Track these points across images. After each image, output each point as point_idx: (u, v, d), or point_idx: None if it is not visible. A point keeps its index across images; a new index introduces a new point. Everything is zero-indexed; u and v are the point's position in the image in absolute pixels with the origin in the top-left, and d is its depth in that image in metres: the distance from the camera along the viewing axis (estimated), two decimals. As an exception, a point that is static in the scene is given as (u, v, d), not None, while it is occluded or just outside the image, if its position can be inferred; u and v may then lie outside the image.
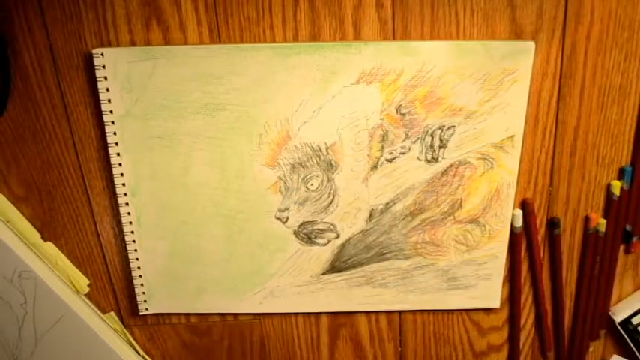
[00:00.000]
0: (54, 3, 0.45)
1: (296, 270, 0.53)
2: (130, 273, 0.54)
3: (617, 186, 0.51)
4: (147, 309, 0.56)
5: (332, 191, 0.50)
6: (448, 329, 0.58)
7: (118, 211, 0.52)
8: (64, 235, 0.54)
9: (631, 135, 0.50)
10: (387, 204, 0.51)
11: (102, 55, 0.46)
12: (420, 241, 0.52)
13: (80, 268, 0.55)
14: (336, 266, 0.53)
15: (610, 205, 0.52)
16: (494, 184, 0.50)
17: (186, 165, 0.49)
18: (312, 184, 0.50)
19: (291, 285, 0.54)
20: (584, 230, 0.53)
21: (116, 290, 0.56)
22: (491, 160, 0.49)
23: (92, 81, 0.47)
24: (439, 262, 0.53)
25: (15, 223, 0.52)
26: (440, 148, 0.48)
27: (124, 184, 0.50)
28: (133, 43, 0.47)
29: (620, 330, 0.56)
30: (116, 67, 0.46)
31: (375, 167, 0.49)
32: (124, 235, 0.52)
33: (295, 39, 0.46)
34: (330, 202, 0.51)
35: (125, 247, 0.53)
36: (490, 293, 0.55)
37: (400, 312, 0.57)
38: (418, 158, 0.49)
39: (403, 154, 0.49)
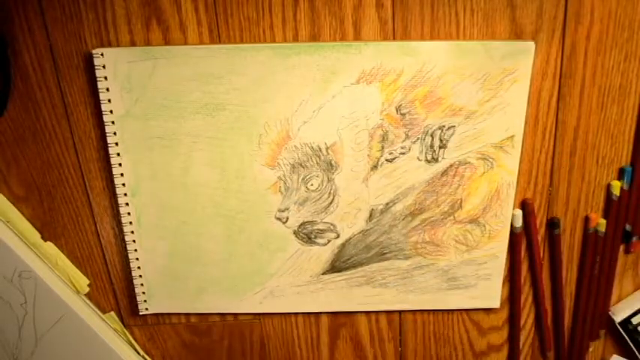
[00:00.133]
0: (54, 3, 0.45)
1: (296, 270, 0.53)
2: (130, 273, 0.54)
3: (617, 186, 0.51)
4: (147, 309, 0.56)
5: (332, 191, 0.50)
6: (448, 329, 0.58)
7: (118, 211, 0.52)
8: (64, 235, 0.54)
9: (631, 135, 0.50)
10: (387, 204, 0.51)
11: (102, 55, 0.46)
12: (420, 241, 0.52)
13: (80, 268, 0.55)
14: (336, 266, 0.53)
15: (610, 205, 0.52)
16: (494, 184, 0.50)
17: (186, 165, 0.49)
18: (312, 184, 0.50)
19: (291, 285, 0.54)
20: (584, 230, 0.53)
21: (116, 290, 0.56)
22: (491, 160, 0.49)
23: (92, 81, 0.47)
24: (439, 262, 0.53)
25: (15, 223, 0.52)
26: (440, 148, 0.48)
27: (124, 184, 0.50)
28: (133, 43, 0.47)
29: (620, 330, 0.56)
30: (116, 67, 0.46)
31: (375, 167, 0.49)
32: (124, 235, 0.52)
33: (295, 39, 0.46)
34: (330, 202, 0.51)
35: (125, 247, 0.53)
36: (490, 293, 0.55)
37: (400, 312, 0.57)
38: (418, 158, 0.49)
39: (403, 154, 0.49)
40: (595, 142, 0.50)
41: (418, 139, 0.48)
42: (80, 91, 0.48)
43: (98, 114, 0.48)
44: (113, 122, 0.48)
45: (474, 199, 0.50)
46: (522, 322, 0.58)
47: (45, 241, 0.53)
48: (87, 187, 0.52)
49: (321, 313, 0.57)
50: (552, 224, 0.53)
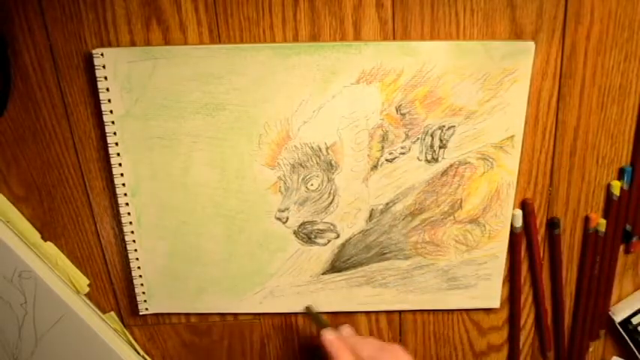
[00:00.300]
0: (54, 3, 0.45)
1: (296, 270, 0.53)
2: (130, 273, 0.54)
3: (617, 186, 0.51)
4: (147, 309, 0.56)
5: (332, 191, 0.50)
6: (448, 329, 0.58)
7: (118, 211, 0.52)
8: (64, 235, 0.54)
9: (631, 135, 0.50)
10: (387, 204, 0.51)
11: (102, 55, 0.46)
12: (420, 241, 0.52)
13: (80, 268, 0.55)
14: (336, 266, 0.53)
15: (610, 205, 0.52)
16: (494, 184, 0.50)
17: (186, 165, 0.49)
18: (312, 184, 0.50)
19: (291, 285, 0.54)
20: (584, 230, 0.53)
21: (116, 290, 0.56)
22: (491, 160, 0.49)
23: (92, 81, 0.47)
24: (439, 262, 0.53)
25: (15, 223, 0.52)
26: (440, 148, 0.48)
27: (124, 184, 0.50)
28: (133, 43, 0.47)
29: (620, 330, 0.56)
30: (116, 67, 0.46)
31: (375, 167, 0.49)
32: (124, 235, 0.52)
33: (295, 39, 0.46)
34: (330, 202, 0.51)
35: (125, 247, 0.53)
36: (490, 293, 0.55)
37: (400, 312, 0.57)
38: (418, 158, 0.49)
39: (403, 154, 0.49)
40: (595, 142, 0.50)
41: (418, 139, 0.48)
42: (80, 91, 0.48)
43: (98, 114, 0.48)
44: (113, 122, 0.48)
45: (474, 199, 0.50)
46: (522, 322, 0.58)
47: (45, 241, 0.53)
48: (87, 187, 0.52)
49: (321, 313, 0.57)
50: (552, 224, 0.53)
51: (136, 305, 0.56)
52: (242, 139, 0.48)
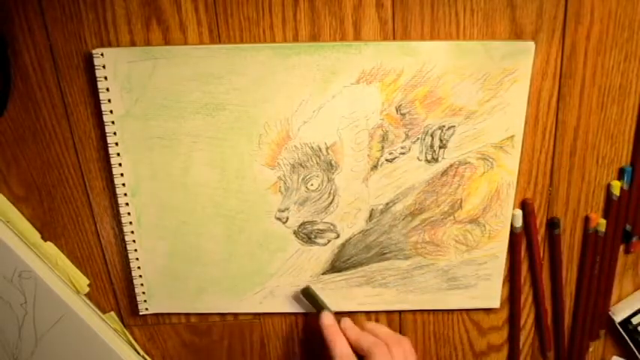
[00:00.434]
0: (54, 3, 0.45)
1: (296, 270, 0.53)
2: (130, 273, 0.54)
3: (617, 186, 0.51)
4: (147, 309, 0.56)
5: (332, 191, 0.50)
6: (448, 329, 0.58)
7: (118, 211, 0.52)
8: (64, 235, 0.54)
9: (631, 135, 0.50)
10: (387, 204, 0.51)
11: (102, 55, 0.46)
12: (420, 241, 0.52)
13: (80, 268, 0.55)
14: (336, 266, 0.53)
15: (610, 205, 0.52)
16: (494, 184, 0.50)
17: (186, 165, 0.49)
18: (312, 184, 0.50)
19: (291, 285, 0.54)
20: (584, 230, 0.53)
21: (116, 290, 0.56)
22: (491, 160, 0.49)
23: (92, 81, 0.47)
24: (439, 262, 0.53)
25: (15, 223, 0.52)
26: (440, 148, 0.48)
27: (124, 184, 0.50)
28: (133, 43, 0.47)
29: (620, 330, 0.56)
30: (116, 67, 0.46)
31: (375, 167, 0.49)
32: (124, 235, 0.52)
33: (295, 39, 0.46)
34: (330, 202, 0.51)
35: (125, 247, 0.53)
36: (490, 293, 0.55)
37: (400, 312, 0.57)
38: (418, 158, 0.49)
39: (403, 154, 0.49)
40: (595, 142, 0.50)
41: (418, 139, 0.48)
42: (80, 91, 0.48)
43: (98, 114, 0.48)
44: (113, 122, 0.48)
45: (474, 199, 0.50)
46: (522, 322, 0.58)
47: (45, 241, 0.53)
48: (87, 187, 0.52)
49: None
50: (552, 224, 0.53)
51: (136, 305, 0.56)
52: (242, 139, 0.48)
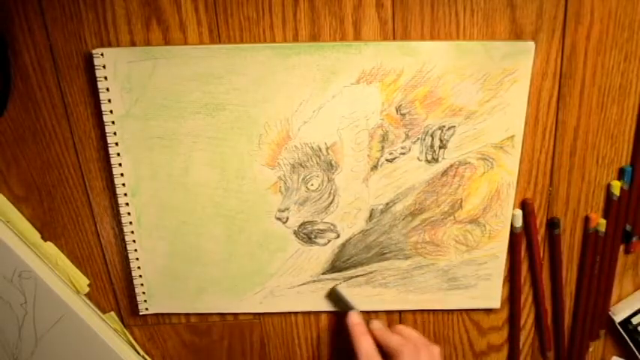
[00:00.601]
0: (54, 3, 0.45)
1: (296, 270, 0.53)
2: (130, 273, 0.54)
3: (617, 186, 0.51)
4: (147, 309, 0.56)
5: (332, 191, 0.50)
6: (448, 329, 0.58)
7: (118, 211, 0.52)
8: (64, 235, 0.54)
9: (631, 135, 0.50)
10: (387, 204, 0.51)
11: (102, 55, 0.46)
12: (420, 241, 0.52)
13: (80, 268, 0.55)
14: (336, 266, 0.53)
15: (610, 205, 0.52)
16: (494, 184, 0.50)
17: (186, 165, 0.49)
18: (312, 184, 0.50)
19: (291, 285, 0.54)
20: (584, 230, 0.53)
21: (116, 290, 0.56)
22: (491, 160, 0.49)
23: (92, 81, 0.47)
24: (439, 262, 0.53)
25: (15, 223, 0.52)
26: (440, 148, 0.48)
27: (124, 184, 0.50)
28: (133, 43, 0.47)
29: (620, 330, 0.56)
30: (116, 67, 0.46)
31: (375, 167, 0.49)
32: (124, 235, 0.52)
33: (295, 39, 0.46)
34: (330, 202, 0.51)
35: (125, 247, 0.53)
36: (490, 293, 0.55)
37: (400, 312, 0.57)
38: (418, 158, 0.49)
39: (403, 154, 0.49)
40: (595, 142, 0.50)
41: (418, 139, 0.48)
42: (80, 91, 0.48)
43: (98, 114, 0.48)
44: (113, 122, 0.48)
45: (474, 199, 0.50)
46: (522, 322, 0.58)
47: (45, 241, 0.53)
48: (87, 187, 0.52)
49: (321, 312, 0.57)
50: (552, 224, 0.53)
51: (136, 305, 0.56)
52: (242, 139, 0.48)
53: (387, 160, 0.49)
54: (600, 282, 0.55)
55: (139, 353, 0.58)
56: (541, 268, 0.54)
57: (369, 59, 0.45)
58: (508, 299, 0.56)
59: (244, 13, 0.46)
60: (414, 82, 0.46)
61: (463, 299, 0.55)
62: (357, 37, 0.46)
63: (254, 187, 0.50)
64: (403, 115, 0.47)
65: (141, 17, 0.46)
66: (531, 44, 0.45)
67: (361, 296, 0.55)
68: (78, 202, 0.52)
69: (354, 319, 0.51)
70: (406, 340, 0.49)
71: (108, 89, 0.47)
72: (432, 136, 0.48)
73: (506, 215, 0.51)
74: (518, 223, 0.52)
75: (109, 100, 0.47)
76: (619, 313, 0.56)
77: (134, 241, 0.53)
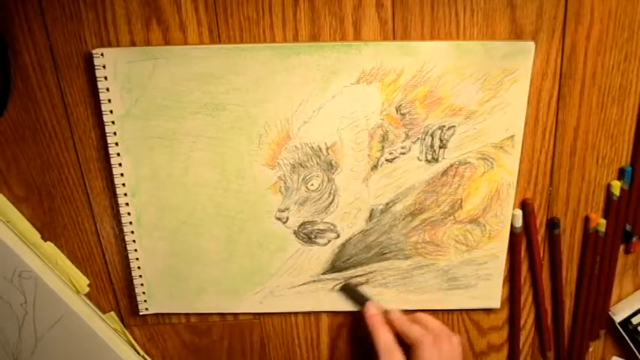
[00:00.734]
0: (54, 3, 0.45)
1: (296, 270, 0.53)
2: (130, 273, 0.54)
3: (617, 186, 0.51)
4: (147, 309, 0.56)
5: (332, 191, 0.50)
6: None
7: (118, 211, 0.52)
8: (64, 235, 0.54)
9: (631, 135, 0.50)
10: (387, 204, 0.51)
11: (102, 55, 0.46)
12: (420, 241, 0.52)
13: (80, 268, 0.55)
14: (336, 266, 0.53)
15: (610, 205, 0.52)
16: (494, 184, 0.50)
17: (186, 165, 0.49)
18: (312, 184, 0.50)
19: (292, 285, 0.54)
20: (584, 230, 0.53)
21: (116, 290, 0.56)
22: (491, 160, 0.49)
23: (92, 81, 0.47)
24: (439, 262, 0.53)
25: (15, 223, 0.52)
26: (440, 148, 0.48)
27: (124, 184, 0.50)
28: (133, 43, 0.47)
29: (620, 330, 0.56)
30: (116, 67, 0.46)
31: (375, 167, 0.49)
32: (124, 235, 0.52)
33: (295, 39, 0.46)
34: (330, 202, 0.51)
35: (125, 247, 0.53)
36: (490, 293, 0.55)
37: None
38: (418, 158, 0.49)
39: (403, 154, 0.49)
40: (595, 142, 0.50)
41: (418, 139, 0.48)
42: (80, 91, 0.48)
43: (98, 114, 0.48)
44: (113, 122, 0.48)
45: (474, 199, 0.50)
46: (522, 322, 0.58)
47: (45, 241, 0.53)
48: (87, 187, 0.52)
49: (321, 312, 0.57)
50: (552, 224, 0.53)
51: (136, 305, 0.56)
52: (242, 139, 0.48)
53: (387, 160, 0.49)
54: (600, 282, 0.55)
55: (139, 353, 0.58)
56: (541, 268, 0.54)
57: (369, 59, 0.45)
58: (508, 299, 0.56)
59: (244, 13, 0.46)
60: (414, 82, 0.46)
61: (463, 299, 0.55)
62: (357, 37, 0.46)
63: (254, 187, 0.50)
64: (403, 115, 0.47)
65: (141, 17, 0.46)
66: (531, 44, 0.45)
67: (361, 296, 0.55)
68: (78, 202, 0.52)
69: (371, 311, 0.51)
70: (427, 329, 0.49)
71: (108, 89, 0.47)
72: (432, 135, 0.48)
73: (506, 215, 0.51)
74: (518, 223, 0.52)
75: (109, 100, 0.47)
76: (619, 313, 0.56)
77: (134, 241, 0.53)
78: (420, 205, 0.51)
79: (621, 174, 0.51)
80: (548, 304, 0.57)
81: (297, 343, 0.59)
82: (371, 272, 0.54)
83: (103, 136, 0.49)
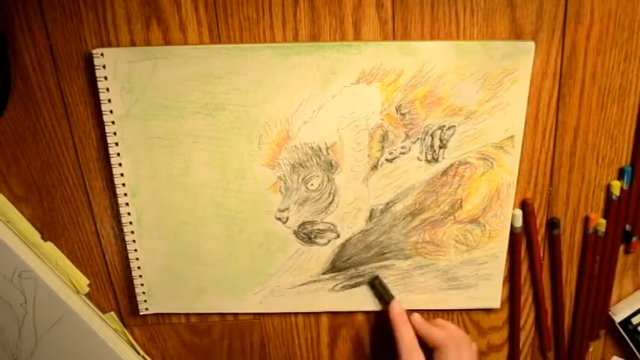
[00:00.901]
0: (54, 3, 0.45)
1: (296, 270, 0.53)
2: (130, 273, 0.54)
3: (617, 186, 0.51)
4: (147, 309, 0.56)
5: (332, 191, 0.50)
6: (448, 329, 0.58)
7: (118, 211, 0.52)
8: (64, 235, 0.54)
9: (631, 135, 0.50)
10: (387, 204, 0.51)
11: (102, 55, 0.46)
12: (420, 241, 0.52)
13: (80, 268, 0.55)
14: (336, 266, 0.53)
15: (610, 205, 0.52)
16: (494, 184, 0.50)
17: (186, 165, 0.49)
18: (312, 184, 0.50)
19: (291, 285, 0.54)
20: (584, 230, 0.53)
21: (116, 290, 0.56)
22: (491, 160, 0.49)
23: (92, 81, 0.47)
24: (439, 262, 0.53)
25: (15, 223, 0.52)
26: (440, 148, 0.48)
27: (124, 184, 0.50)
28: (133, 43, 0.47)
29: (620, 330, 0.56)
30: (116, 67, 0.46)
31: (375, 167, 0.49)
32: (124, 235, 0.52)
33: (295, 39, 0.46)
34: (330, 202, 0.51)
35: (125, 247, 0.53)
36: (490, 293, 0.55)
37: (400, 312, 0.57)
38: (418, 158, 0.49)
39: (403, 154, 0.49)
40: (595, 142, 0.50)
41: (418, 139, 0.48)
42: (80, 91, 0.48)
43: (98, 114, 0.48)
44: (113, 122, 0.48)
45: (474, 199, 0.50)
46: (522, 322, 0.58)
47: (45, 241, 0.53)
48: (87, 187, 0.52)
49: (321, 313, 0.57)
50: (552, 224, 0.53)
51: (136, 305, 0.56)
52: (242, 139, 0.48)
53: (387, 160, 0.49)
54: (600, 282, 0.55)
55: (139, 353, 0.58)
56: (541, 268, 0.54)
57: (369, 59, 0.45)
58: (508, 299, 0.56)
59: (244, 13, 0.46)
60: (414, 82, 0.46)
61: (463, 299, 0.55)
62: (357, 37, 0.46)
63: (254, 187, 0.50)
64: (403, 114, 0.47)
65: (141, 17, 0.46)
66: (531, 44, 0.45)
67: (361, 296, 0.55)
68: (78, 202, 0.52)
69: (397, 309, 0.52)
70: (450, 335, 0.50)
71: (108, 89, 0.47)
72: (432, 135, 0.48)
73: (506, 215, 0.51)
74: (518, 223, 0.52)
75: (109, 100, 0.47)
76: (619, 313, 0.56)
77: (134, 241, 0.53)
78: (420, 205, 0.51)
79: (621, 174, 0.51)
80: (548, 304, 0.57)
81: (297, 343, 0.59)
82: (371, 272, 0.54)
83: (103, 136, 0.49)
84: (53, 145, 0.50)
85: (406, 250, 0.53)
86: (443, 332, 0.50)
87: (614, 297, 0.57)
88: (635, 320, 0.56)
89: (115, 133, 0.48)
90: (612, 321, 0.57)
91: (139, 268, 0.54)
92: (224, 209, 0.51)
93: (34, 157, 0.51)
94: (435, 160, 0.49)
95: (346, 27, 0.46)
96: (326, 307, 0.55)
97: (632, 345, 0.56)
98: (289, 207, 0.51)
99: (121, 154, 0.49)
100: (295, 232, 0.52)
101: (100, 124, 0.49)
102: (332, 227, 0.52)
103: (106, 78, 0.46)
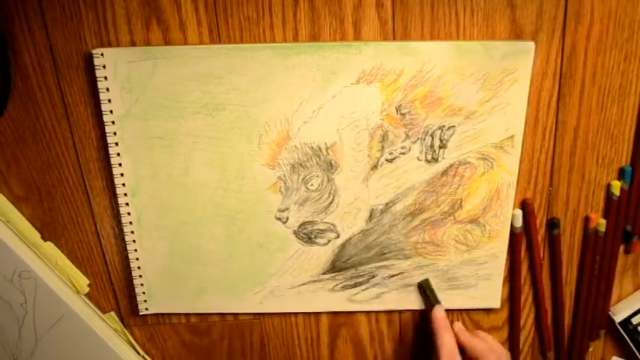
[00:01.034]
0: (54, 3, 0.45)
1: (296, 270, 0.53)
2: (130, 273, 0.54)
3: (617, 186, 0.51)
4: (147, 309, 0.56)
5: (332, 191, 0.50)
6: (448, 329, 0.58)
7: (118, 211, 0.52)
8: (64, 235, 0.54)
9: (631, 135, 0.50)
10: (387, 204, 0.51)
11: (102, 55, 0.46)
12: (420, 241, 0.52)
13: (80, 268, 0.55)
14: (336, 266, 0.53)
15: (610, 205, 0.52)
16: (494, 184, 0.50)
17: (186, 165, 0.49)
18: (312, 184, 0.50)
19: (291, 285, 0.54)
20: (584, 230, 0.53)
21: (116, 290, 0.56)
22: (491, 160, 0.49)
23: (92, 81, 0.47)
24: (439, 262, 0.53)
25: (15, 223, 0.52)
26: (440, 148, 0.48)
27: (124, 184, 0.50)
28: (133, 43, 0.47)
29: (620, 330, 0.56)
30: (116, 67, 0.46)
31: (375, 167, 0.49)
32: (124, 235, 0.52)
33: (295, 39, 0.46)
34: (330, 202, 0.51)
35: (125, 247, 0.53)
36: (490, 293, 0.55)
37: (400, 312, 0.57)
38: (418, 158, 0.49)
39: (403, 154, 0.49)
40: (595, 142, 0.50)
41: (418, 139, 0.48)
42: (80, 91, 0.48)
43: (98, 114, 0.48)
44: (113, 122, 0.48)
45: (474, 199, 0.50)
46: (522, 322, 0.58)
47: (45, 241, 0.53)
48: (87, 187, 0.52)
49: (321, 313, 0.57)
50: (552, 224, 0.53)
51: (136, 305, 0.56)
52: (242, 139, 0.48)
53: (387, 160, 0.49)
54: (600, 282, 0.55)
55: (139, 353, 0.58)
56: (541, 268, 0.54)
57: (369, 59, 0.45)
58: (508, 299, 0.56)
59: (244, 13, 0.46)
60: (414, 82, 0.46)
61: (463, 299, 0.55)
62: (357, 37, 0.46)
63: (254, 187, 0.50)
64: (403, 115, 0.47)
65: (141, 17, 0.46)
66: (531, 44, 0.45)
67: (362, 296, 0.55)
68: (78, 202, 0.52)
69: (440, 313, 0.52)
70: (491, 347, 0.50)
71: (108, 89, 0.47)
72: (431, 135, 0.48)
73: (506, 215, 0.51)
74: (518, 223, 0.52)
75: (109, 100, 0.47)
76: (619, 313, 0.56)
77: (134, 241, 0.53)
78: (420, 205, 0.51)
79: (621, 174, 0.51)
80: (548, 304, 0.57)
81: (297, 343, 0.59)
82: (371, 272, 0.54)
83: (103, 136, 0.49)
84: (53, 145, 0.50)
85: (406, 250, 0.53)
86: (484, 344, 0.50)
87: (614, 297, 0.57)
88: (635, 320, 0.56)
89: (115, 133, 0.48)
90: (612, 321, 0.57)
91: (139, 268, 0.54)
92: (224, 209, 0.51)
93: (34, 157, 0.51)
94: (435, 160, 0.49)
95: (346, 27, 0.46)
96: (326, 307, 0.55)
97: (632, 345, 0.56)
98: (289, 207, 0.51)
99: (121, 154, 0.49)
100: (295, 232, 0.52)
101: (100, 124, 0.49)
102: (332, 227, 0.52)
103: (106, 78, 0.46)
